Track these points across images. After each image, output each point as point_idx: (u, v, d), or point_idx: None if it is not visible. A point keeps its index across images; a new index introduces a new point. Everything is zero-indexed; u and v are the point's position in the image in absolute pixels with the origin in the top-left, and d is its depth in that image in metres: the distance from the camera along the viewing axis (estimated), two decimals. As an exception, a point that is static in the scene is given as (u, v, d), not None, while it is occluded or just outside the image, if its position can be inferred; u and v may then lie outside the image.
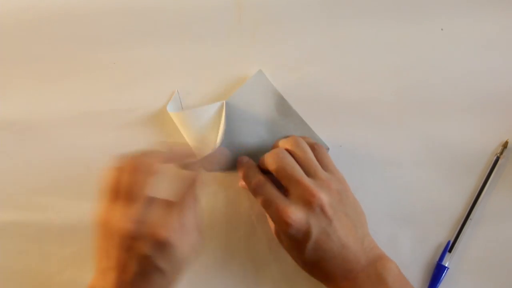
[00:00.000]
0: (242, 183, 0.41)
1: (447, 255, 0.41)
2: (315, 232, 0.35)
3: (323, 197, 0.35)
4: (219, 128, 0.43)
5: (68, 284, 0.43)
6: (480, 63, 0.44)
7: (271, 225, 0.40)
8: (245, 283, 0.43)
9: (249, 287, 0.42)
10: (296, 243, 0.36)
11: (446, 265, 0.41)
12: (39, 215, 0.44)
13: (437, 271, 0.41)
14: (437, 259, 0.42)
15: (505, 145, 0.42)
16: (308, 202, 0.35)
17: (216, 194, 0.43)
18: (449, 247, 0.42)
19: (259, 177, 0.38)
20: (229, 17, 0.45)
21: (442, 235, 0.42)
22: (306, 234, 0.35)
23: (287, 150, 0.39)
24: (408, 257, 0.42)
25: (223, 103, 0.43)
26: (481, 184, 0.42)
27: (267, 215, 0.38)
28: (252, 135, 0.43)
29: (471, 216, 0.42)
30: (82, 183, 0.44)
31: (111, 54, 0.45)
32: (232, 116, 0.44)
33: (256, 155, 0.42)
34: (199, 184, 0.37)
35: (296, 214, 0.35)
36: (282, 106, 0.44)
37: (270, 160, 0.38)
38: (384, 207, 0.43)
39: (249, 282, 0.43)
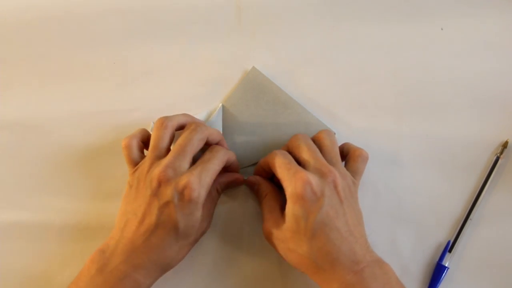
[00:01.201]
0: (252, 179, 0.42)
1: (447, 255, 0.41)
2: (327, 202, 0.34)
3: (337, 175, 0.35)
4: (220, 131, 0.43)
5: (68, 284, 0.43)
6: (480, 63, 0.44)
7: (264, 225, 0.38)
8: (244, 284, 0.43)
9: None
10: (305, 214, 0.34)
11: (446, 265, 0.41)
12: (39, 215, 0.44)
13: (437, 271, 0.41)
14: (437, 259, 0.42)
15: (505, 145, 0.42)
16: (324, 174, 0.35)
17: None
18: (449, 247, 0.42)
19: (281, 152, 0.38)
20: (229, 17, 0.45)
21: (442, 235, 0.42)
22: (318, 202, 0.34)
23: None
24: (408, 257, 0.42)
25: (220, 106, 0.44)
26: (481, 184, 0.42)
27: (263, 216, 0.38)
28: (255, 132, 0.43)
29: (471, 216, 0.42)
30: (82, 183, 0.44)
31: (111, 54, 0.45)
32: (232, 116, 0.44)
33: (262, 151, 0.42)
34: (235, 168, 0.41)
35: (314, 178, 0.34)
36: (281, 98, 0.44)
37: (294, 140, 0.39)
38: (384, 207, 0.43)
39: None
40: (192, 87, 0.45)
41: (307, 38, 0.45)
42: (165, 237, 0.36)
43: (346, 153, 0.40)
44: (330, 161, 0.37)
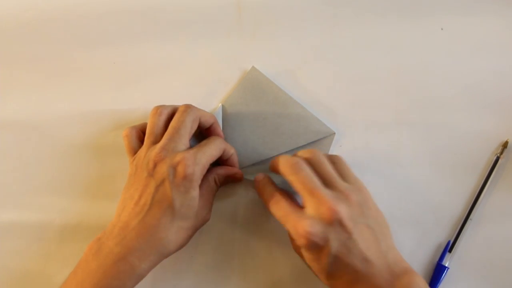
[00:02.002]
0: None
1: (447, 255, 0.41)
2: (334, 246, 0.33)
3: (342, 210, 0.33)
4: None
5: (68, 284, 0.43)
6: (480, 63, 0.44)
7: (291, 239, 0.39)
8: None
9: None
10: (316, 258, 0.34)
11: (446, 265, 0.41)
12: (39, 215, 0.44)
13: (437, 271, 0.41)
14: (437, 259, 0.42)
15: (505, 145, 0.42)
16: (327, 216, 0.33)
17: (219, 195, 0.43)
18: (449, 247, 0.42)
19: (275, 193, 0.37)
20: (229, 17, 0.45)
21: (442, 235, 0.42)
22: (325, 248, 0.33)
23: (304, 159, 0.37)
24: (408, 257, 0.42)
25: (220, 106, 0.44)
26: (481, 184, 0.42)
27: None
28: (255, 132, 0.43)
29: (471, 216, 0.42)
30: (82, 183, 0.44)
31: (111, 54, 0.45)
32: (231, 116, 0.44)
33: (262, 150, 0.42)
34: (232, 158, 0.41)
35: (313, 228, 0.33)
36: (281, 98, 0.44)
37: (287, 170, 0.36)
38: (384, 207, 0.42)
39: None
40: (192, 87, 0.45)
41: (307, 38, 0.45)
42: (160, 216, 0.35)
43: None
44: (327, 183, 0.36)
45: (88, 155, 0.44)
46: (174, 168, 0.35)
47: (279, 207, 0.36)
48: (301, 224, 0.33)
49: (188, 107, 0.39)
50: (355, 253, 0.33)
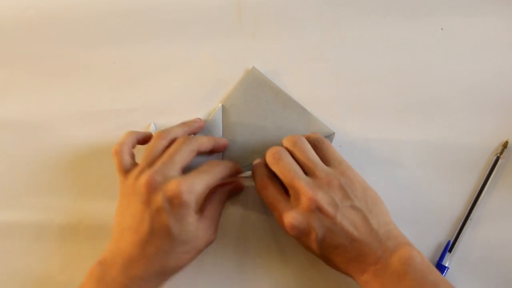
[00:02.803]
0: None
1: (447, 255, 0.41)
2: (320, 232, 0.35)
3: (321, 197, 0.35)
4: (219, 131, 0.43)
5: (68, 284, 0.43)
6: (480, 63, 0.44)
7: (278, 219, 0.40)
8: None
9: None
10: (307, 244, 0.36)
11: (446, 265, 0.41)
12: (39, 215, 0.44)
13: (437, 271, 0.41)
14: (437, 259, 0.42)
15: (505, 145, 0.42)
16: (306, 206, 0.35)
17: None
18: (449, 247, 0.41)
19: (264, 178, 0.39)
20: (229, 17, 0.45)
21: (442, 235, 0.42)
22: (311, 235, 0.35)
23: (286, 149, 0.39)
24: (408, 257, 0.42)
25: (220, 106, 0.44)
26: (481, 184, 0.42)
27: None
28: (255, 132, 0.43)
29: (471, 216, 0.42)
30: (82, 183, 0.44)
31: (111, 54, 0.45)
32: (231, 116, 0.44)
33: (262, 151, 0.42)
34: (233, 174, 0.40)
35: (295, 219, 0.35)
36: (281, 98, 0.44)
37: (269, 160, 0.38)
38: (384, 207, 0.43)
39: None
40: (192, 87, 0.45)
41: (306, 38, 0.45)
42: (160, 245, 0.35)
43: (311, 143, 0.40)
44: (307, 171, 0.37)
45: (88, 155, 0.44)
46: (168, 197, 0.34)
47: (268, 194, 0.38)
48: (285, 216, 0.36)
49: (187, 139, 0.38)
50: (342, 235, 0.35)
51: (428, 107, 0.43)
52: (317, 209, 0.35)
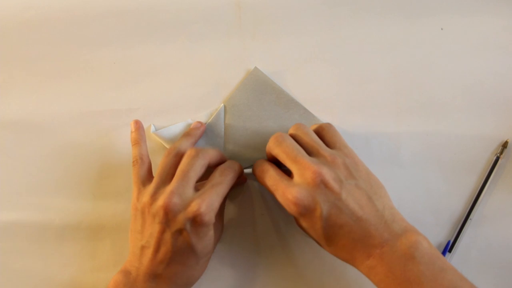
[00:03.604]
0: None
1: (447, 255, 0.41)
2: (324, 208, 0.33)
3: (325, 172, 0.34)
4: (221, 131, 0.43)
5: (68, 284, 0.43)
6: (480, 63, 0.44)
7: (295, 218, 0.39)
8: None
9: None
10: (311, 224, 0.35)
11: (446, 265, 0.41)
12: (39, 215, 0.44)
13: (437, 271, 0.41)
14: (437, 259, 0.42)
15: (505, 145, 0.42)
16: (311, 180, 0.34)
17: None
18: (449, 247, 0.42)
19: (263, 164, 0.38)
20: (229, 17, 0.45)
21: (442, 235, 0.42)
22: (316, 211, 0.34)
23: (290, 135, 0.38)
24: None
25: (221, 106, 0.44)
26: (481, 184, 0.42)
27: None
28: (257, 132, 0.43)
29: (471, 216, 0.42)
30: (82, 183, 0.44)
31: (111, 54, 0.45)
32: (233, 116, 0.44)
33: (264, 152, 0.42)
34: (238, 175, 0.39)
35: (301, 193, 0.33)
36: (284, 99, 0.44)
37: (271, 145, 0.37)
38: (384, 207, 0.43)
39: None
40: (192, 87, 0.45)
41: (306, 38, 0.45)
42: (185, 261, 0.36)
43: (318, 134, 0.39)
44: (311, 152, 0.36)
45: (88, 155, 0.44)
46: (190, 219, 0.34)
47: (269, 177, 0.37)
48: (289, 191, 0.34)
49: (199, 151, 0.38)
50: (347, 213, 0.33)
51: (428, 107, 0.43)
52: (322, 184, 0.34)
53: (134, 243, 0.38)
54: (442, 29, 0.44)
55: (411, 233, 0.33)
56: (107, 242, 0.44)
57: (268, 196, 0.43)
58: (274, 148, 0.37)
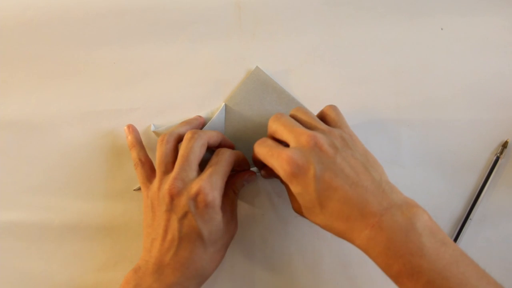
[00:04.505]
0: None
1: (447, 255, 0.41)
2: (318, 168, 0.32)
3: (320, 137, 0.33)
4: (222, 130, 0.43)
5: (68, 284, 0.43)
6: (480, 63, 0.44)
7: (291, 200, 0.38)
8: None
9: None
10: (304, 187, 0.33)
11: (446, 265, 0.41)
12: (39, 215, 0.44)
13: (437, 271, 0.41)
14: (437, 259, 0.42)
15: (505, 145, 0.42)
16: (306, 142, 0.33)
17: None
18: (449, 247, 0.41)
19: (261, 139, 0.37)
20: (229, 17, 0.45)
21: (442, 235, 0.42)
22: (309, 171, 0.32)
23: (290, 115, 0.38)
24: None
25: (223, 105, 0.44)
26: (481, 184, 0.42)
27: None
28: (258, 132, 0.43)
29: (471, 216, 0.42)
30: (82, 183, 0.44)
31: (111, 54, 0.45)
32: (234, 116, 0.44)
33: None
34: (242, 163, 0.40)
35: (294, 153, 0.33)
36: (285, 99, 0.44)
37: (270, 123, 0.37)
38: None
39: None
40: (192, 87, 0.45)
41: (307, 38, 0.45)
42: (192, 248, 0.36)
43: (322, 118, 0.39)
44: (310, 127, 0.36)
45: (88, 155, 0.44)
46: (194, 199, 0.35)
47: (265, 145, 0.36)
48: (284, 153, 0.33)
49: (195, 133, 0.38)
50: (342, 176, 0.32)
51: (428, 107, 0.43)
52: (317, 147, 0.33)
53: (145, 238, 0.38)
54: (442, 29, 0.44)
55: (411, 205, 0.32)
56: (107, 242, 0.44)
57: (268, 196, 0.43)
58: (272, 124, 0.37)
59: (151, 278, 0.36)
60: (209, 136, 0.39)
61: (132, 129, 0.43)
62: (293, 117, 0.38)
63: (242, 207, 0.43)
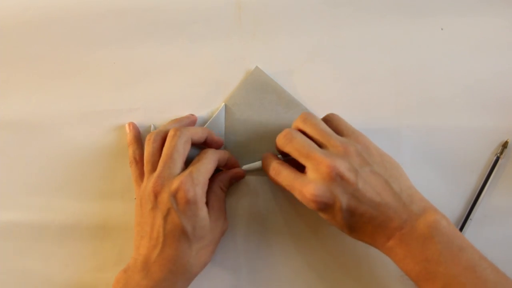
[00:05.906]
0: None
1: (447, 255, 0.41)
2: (343, 200, 0.34)
3: (339, 164, 0.34)
4: (221, 130, 0.43)
5: (67, 284, 0.43)
6: (480, 63, 0.44)
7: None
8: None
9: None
10: (331, 216, 0.35)
11: (446, 265, 0.41)
12: (38, 215, 0.44)
13: (437, 271, 0.41)
14: (437, 259, 0.42)
15: (505, 145, 0.42)
16: (326, 174, 0.34)
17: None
18: (449, 247, 0.41)
19: (275, 165, 0.38)
20: (229, 17, 0.45)
21: (442, 235, 0.42)
22: (335, 205, 0.34)
23: (298, 128, 0.38)
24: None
25: (222, 105, 0.44)
26: (481, 184, 0.42)
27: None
28: (257, 132, 0.43)
29: (471, 216, 0.42)
30: (82, 183, 0.44)
31: (111, 54, 0.45)
32: (234, 116, 0.44)
33: (265, 151, 0.42)
34: (228, 161, 0.41)
35: (318, 190, 0.34)
36: (285, 99, 0.44)
37: (280, 143, 0.37)
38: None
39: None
40: (192, 87, 0.45)
41: (307, 38, 0.45)
42: (177, 245, 0.36)
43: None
44: (321, 144, 0.36)
45: (88, 155, 0.44)
46: (174, 196, 0.35)
47: (283, 178, 0.37)
48: (306, 189, 0.34)
49: (177, 130, 0.38)
50: (365, 201, 0.34)
51: (428, 107, 0.43)
52: (338, 176, 0.34)
53: (135, 236, 0.38)
54: (442, 29, 0.44)
55: (429, 213, 0.34)
56: (107, 242, 0.44)
57: (267, 195, 0.43)
58: (285, 146, 0.37)
59: (139, 275, 0.36)
60: (193, 132, 0.39)
61: (132, 126, 0.44)
62: (303, 131, 0.37)
63: (241, 206, 0.43)
